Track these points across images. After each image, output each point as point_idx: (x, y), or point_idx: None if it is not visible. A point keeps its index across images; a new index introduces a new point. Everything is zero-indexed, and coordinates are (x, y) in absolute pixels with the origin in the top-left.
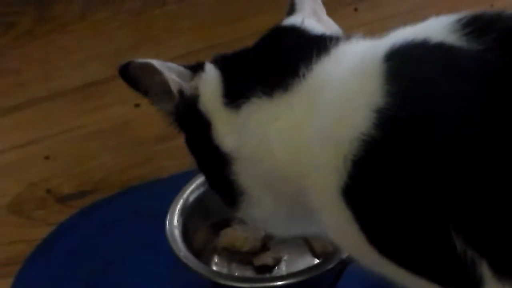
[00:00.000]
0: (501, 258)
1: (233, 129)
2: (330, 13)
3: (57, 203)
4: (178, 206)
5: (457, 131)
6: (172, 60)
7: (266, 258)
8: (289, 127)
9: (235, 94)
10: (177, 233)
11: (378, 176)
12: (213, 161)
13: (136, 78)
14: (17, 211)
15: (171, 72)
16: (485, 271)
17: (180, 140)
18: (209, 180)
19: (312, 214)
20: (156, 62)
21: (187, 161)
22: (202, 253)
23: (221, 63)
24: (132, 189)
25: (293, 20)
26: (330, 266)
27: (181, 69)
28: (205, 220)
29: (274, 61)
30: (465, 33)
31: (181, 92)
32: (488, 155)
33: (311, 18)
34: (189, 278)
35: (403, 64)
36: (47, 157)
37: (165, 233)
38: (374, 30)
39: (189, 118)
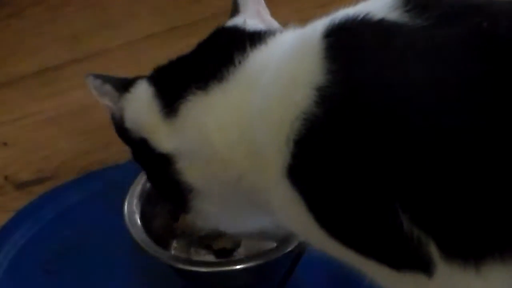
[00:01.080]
0: (448, 238)
1: (172, 132)
2: None
3: (15, 189)
4: (137, 191)
5: (398, 104)
6: (130, 43)
7: (225, 242)
8: (227, 113)
9: (171, 100)
10: (135, 218)
11: (321, 155)
12: (157, 168)
13: None
14: None
15: (104, 96)
16: (433, 251)
17: None
18: (158, 188)
19: (261, 204)
20: (94, 87)
21: None
22: (161, 238)
23: (156, 75)
24: (91, 175)
25: (236, 20)
26: (288, 249)
27: (113, 92)
28: (164, 205)
29: (209, 58)
30: (407, 9)
31: (112, 114)
32: (431, 129)
33: (255, 18)
34: (149, 263)
35: (342, 39)
36: (4, 143)
37: (123, 218)
38: (333, 11)
39: (123, 136)
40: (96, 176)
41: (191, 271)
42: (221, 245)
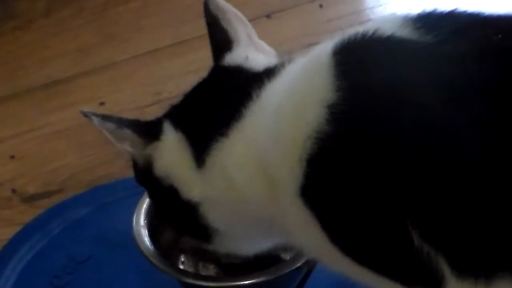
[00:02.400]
0: (458, 255)
1: (200, 181)
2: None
3: (22, 203)
4: (145, 206)
5: (409, 123)
6: (137, 57)
7: (233, 257)
8: (244, 150)
9: (200, 151)
10: (144, 232)
11: (333, 173)
12: (181, 213)
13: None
14: None
15: (123, 142)
16: (444, 268)
17: None
18: (177, 228)
19: (279, 228)
20: (109, 131)
21: None
22: (169, 252)
23: (180, 120)
24: (98, 188)
25: (236, 58)
26: (297, 265)
27: (135, 138)
28: None
29: (224, 101)
30: (417, 27)
31: (134, 160)
32: (442, 149)
33: (249, 47)
34: (157, 278)
35: (352, 57)
36: (12, 157)
37: (132, 232)
38: (340, 25)
39: (146, 180)
40: (104, 190)
41: (200, 286)
42: (229, 260)
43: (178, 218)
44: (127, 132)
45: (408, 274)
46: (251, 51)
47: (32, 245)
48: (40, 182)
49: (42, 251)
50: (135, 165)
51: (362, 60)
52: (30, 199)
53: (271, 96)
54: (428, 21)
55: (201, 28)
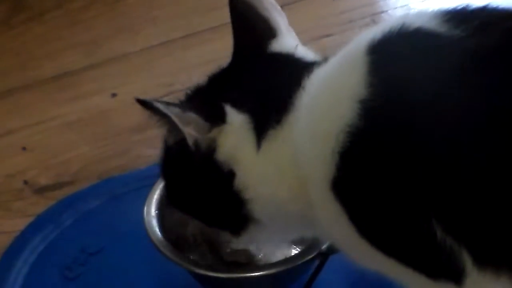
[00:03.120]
0: (479, 246)
1: (255, 169)
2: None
3: (34, 194)
4: (155, 196)
5: (438, 118)
6: (149, 49)
7: (238, 255)
8: (290, 145)
9: (260, 136)
10: (155, 223)
11: (363, 166)
12: (225, 201)
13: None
14: None
15: (188, 125)
16: (466, 259)
17: (158, 130)
18: (210, 219)
19: (310, 222)
20: (175, 115)
21: None
22: (179, 243)
23: (244, 103)
24: (110, 180)
25: (285, 46)
26: (310, 256)
27: (201, 121)
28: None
29: (279, 89)
30: (445, 20)
31: (196, 143)
32: (469, 145)
33: (291, 36)
34: (169, 269)
35: (383, 53)
36: (24, 148)
37: (143, 223)
38: (352, 18)
39: (200, 166)
40: (116, 181)
41: (211, 277)
42: (233, 257)
43: (217, 207)
44: (192, 116)
45: (432, 266)
46: (295, 40)
47: (44, 237)
48: (51, 173)
49: (54, 243)
50: (196, 148)
51: (393, 56)
52: (42, 190)
53: (311, 89)
54: (458, 15)
55: (213, 19)
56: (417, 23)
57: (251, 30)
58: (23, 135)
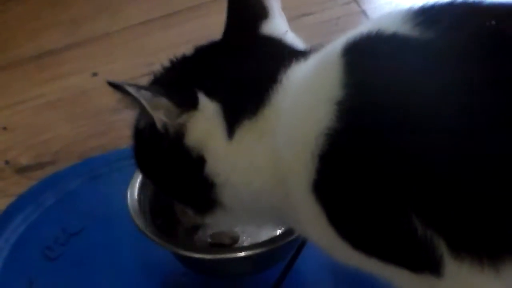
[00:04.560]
0: (456, 234)
1: (227, 157)
2: None
3: (15, 174)
4: (139, 179)
5: (411, 116)
6: (130, 28)
7: (223, 237)
8: (263, 136)
9: (232, 124)
10: (138, 206)
11: (343, 169)
12: (195, 185)
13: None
14: None
15: (158, 110)
16: (443, 249)
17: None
18: (183, 199)
19: (288, 219)
20: (145, 99)
21: None
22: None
23: (214, 88)
24: (91, 159)
25: (275, 29)
26: (291, 238)
27: (172, 107)
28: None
29: (259, 75)
30: (417, 22)
31: (165, 127)
32: (441, 139)
33: (282, 19)
34: (151, 250)
35: (359, 56)
36: (4, 128)
37: (126, 205)
38: None
39: (168, 150)
40: (97, 161)
41: (195, 258)
42: (218, 239)
43: (186, 190)
44: (164, 101)
45: (413, 260)
46: (286, 25)
47: (25, 217)
48: (32, 153)
49: (35, 223)
50: (164, 133)
51: (368, 58)
52: (23, 170)
53: (289, 87)
54: (428, 16)
55: None
56: (391, 28)
57: (244, 7)
58: (3, 115)
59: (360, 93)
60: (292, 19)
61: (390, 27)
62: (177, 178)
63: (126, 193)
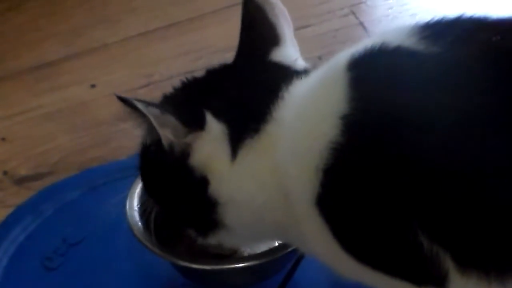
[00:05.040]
0: (462, 249)
1: (230, 179)
2: None
3: (14, 185)
4: (137, 190)
5: (417, 132)
6: (128, 39)
7: (222, 248)
8: (271, 156)
9: (235, 145)
10: (137, 217)
11: (348, 182)
12: (197, 206)
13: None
14: None
15: (165, 128)
16: (449, 264)
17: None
18: (183, 220)
19: (292, 235)
20: (153, 116)
21: None
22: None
23: (221, 110)
24: (90, 170)
25: (285, 57)
26: (289, 249)
27: (179, 126)
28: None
29: (263, 97)
30: (423, 37)
31: (171, 146)
32: (448, 154)
33: (294, 48)
34: (150, 259)
35: (364, 70)
36: (3, 139)
37: (125, 216)
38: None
39: (172, 168)
40: (96, 172)
41: (194, 269)
42: (218, 250)
43: (189, 210)
44: (171, 119)
45: (417, 274)
46: (297, 53)
47: (24, 227)
48: (31, 164)
49: (34, 233)
50: (170, 152)
51: (373, 72)
52: (21, 181)
53: (292, 102)
54: (434, 30)
55: (192, 10)
56: (396, 42)
57: (257, 33)
58: (2, 125)
59: (366, 107)
60: None
61: (395, 41)
62: (180, 198)
63: (125, 204)
